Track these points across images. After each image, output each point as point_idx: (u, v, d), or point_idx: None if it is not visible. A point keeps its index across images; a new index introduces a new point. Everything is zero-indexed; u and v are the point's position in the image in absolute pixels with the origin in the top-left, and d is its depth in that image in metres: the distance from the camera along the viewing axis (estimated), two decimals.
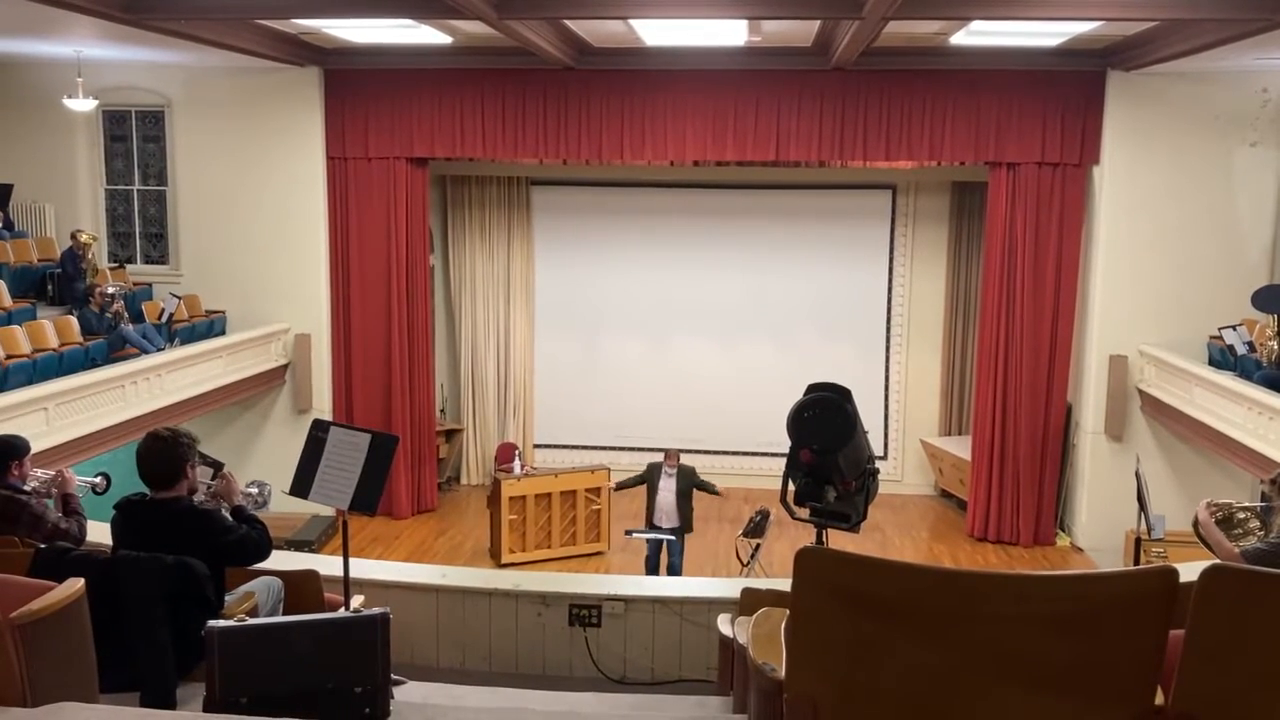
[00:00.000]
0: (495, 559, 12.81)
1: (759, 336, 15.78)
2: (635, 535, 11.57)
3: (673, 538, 11.40)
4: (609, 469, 13.39)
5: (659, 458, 11.71)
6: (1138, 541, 7.09)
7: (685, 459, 11.95)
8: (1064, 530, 13.96)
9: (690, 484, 11.50)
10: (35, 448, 5.68)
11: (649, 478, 11.58)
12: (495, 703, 4.73)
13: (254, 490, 5.06)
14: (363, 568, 5.90)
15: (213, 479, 4.85)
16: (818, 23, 11.43)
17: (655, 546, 11.54)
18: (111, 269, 13.83)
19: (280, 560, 5.06)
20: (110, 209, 14.68)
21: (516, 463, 14.26)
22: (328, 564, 5.40)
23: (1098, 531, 13.21)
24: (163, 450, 4.34)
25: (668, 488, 11.43)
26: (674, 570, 11.35)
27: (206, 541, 4.22)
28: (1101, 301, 13.24)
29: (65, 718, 3.19)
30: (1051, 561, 13.30)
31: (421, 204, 14.26)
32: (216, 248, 14.18)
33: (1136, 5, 9.76)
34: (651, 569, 11.50)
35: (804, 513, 4.92)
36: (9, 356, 10.45)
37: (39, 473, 5.48)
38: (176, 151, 14.26)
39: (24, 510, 5.06)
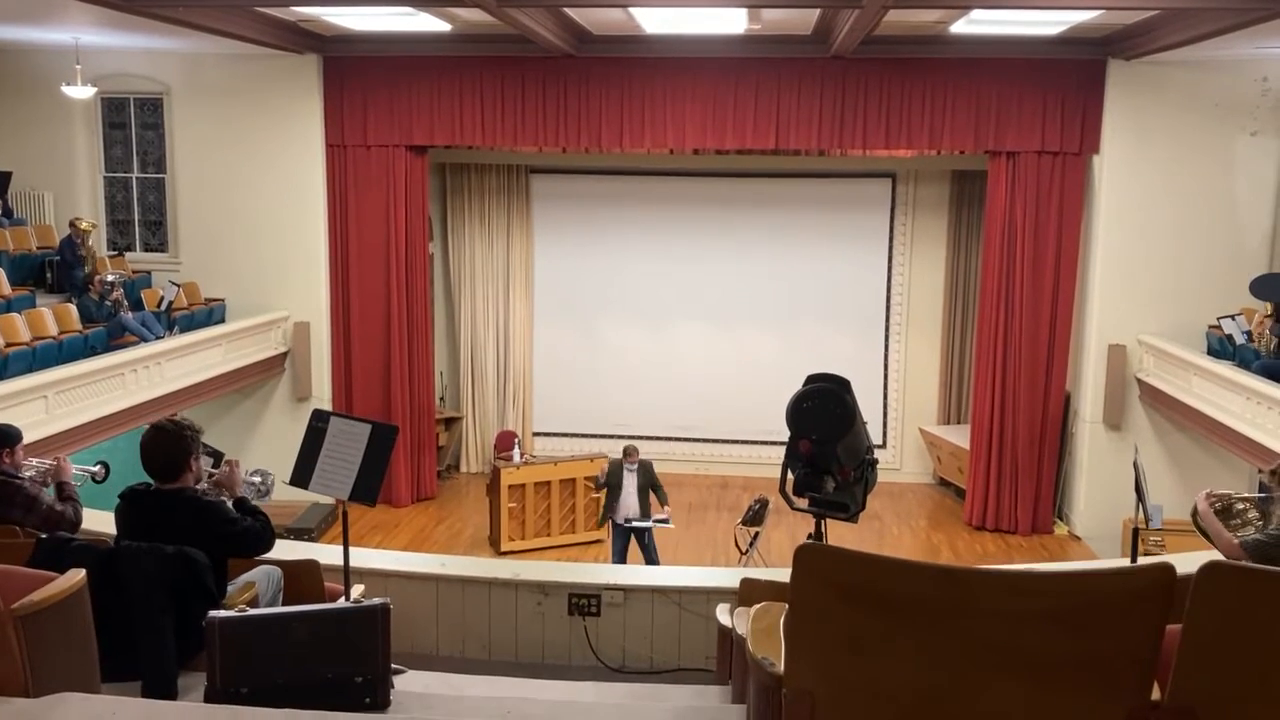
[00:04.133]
0: (494, 547, 12.85)
1: (758, 325, 15.79)
2: (634, 524, 11.59)
3: (667, 522, 11.47)
4: (608, 457, 13.38)
5: (619, 455, 11.76)
6: (1135, 531, 7.08)
7: (685, 446, 11.97)
8: (1062, 519, 13.99)
9: (648, 480, 11.56)
10: (35, 436, 5.71)
11: (613, 478, 11.61)
12: (495, 692, 4.75)
13: (256, 479, 5.07)
14: (362, 557, 5.90)
15: (214, 468, 4.85)
16: (818, 11, 11.41)
17: (624, 539, 11.57)
18: (110, 257, 13.83)
19: (280, 550, 5.06)
20: (109, 196, 14.66)
21: (516, 451, 14.27)
22: (328, 553, 5.41)
23: (1095, 520, 13.25)
24: (167, 442, 4.35)
25: (630, 485, 11.51)
26: (652, 563, 11.39)
27: (210, 533, 4.24)
28: (1100, 290, 13.25)
29: (67, 707, 3.21)
30: (1049, 550, 13.33)
31: (421, 192, 14.25)
32: (216, 235, 14.17)
33: None
34: (620, 561, 11.51)
35: (803, 502, 4.92)
36: (8, 344, 10.45)
37: (35, 461, 5.49)
38: (175, 139, 14.23)
39: (18, 493, 5.07)
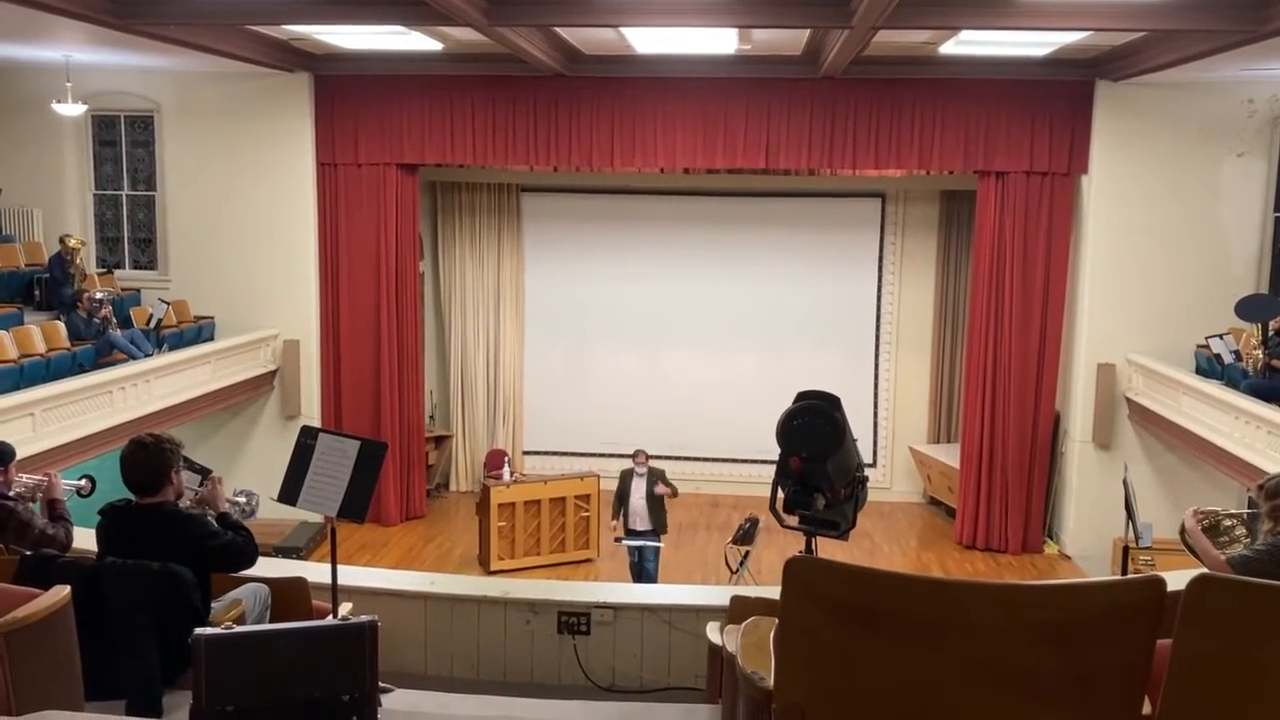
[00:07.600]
0: (484, 566, 12.78)
1: (749, 343, 15.79)
2: (625, 544, 11.55)
3: (658, 544, 11.40)
4: (599, 475, 13.36)
5: (628, 464, 11.69)
6: (1125, 549, 7.10)
7: (675, 465, 11.90)
8: (1052, 538, 13.98)
9: (658, 483, 11.48)
10: (22, 453, 5.66)
11: (623, 485, 11.55)
12: (483, 711, 4.72)
13: (241, 499, 5.05)
14: (350, 575, 5.87)
15: (200, 485, 4.83)
16: (808, 31, 11.46)
17: (638, 551, 11.52)
18: (99, 274, 13.76)
19: (267, 567, 5.05)
20: (99, 214, 14.63)
21: (506, 469, 14.23)
22: (315, 571, 5.38)
23: (1085, 539, 13.25)
24: (146, 456, 4.33)
25: (639, 489, 11.42)
26: (647, 576, 11.31)
27: (191, 546, 4.21)
28: (1089, 310, 13.29)
29: None
30: (1039, 569, 13.32)
31: (411, 210, 14.25)
32: (205, 253, 14.14)
33: (1123, 16, 9.82)
34: (637, 574, 11.47)
35: (793, 520, 4.91)
36: None
37: (25, 478, 5.45)
38: (165, 157, 14.21)
39: (10, 516, 5.03)
